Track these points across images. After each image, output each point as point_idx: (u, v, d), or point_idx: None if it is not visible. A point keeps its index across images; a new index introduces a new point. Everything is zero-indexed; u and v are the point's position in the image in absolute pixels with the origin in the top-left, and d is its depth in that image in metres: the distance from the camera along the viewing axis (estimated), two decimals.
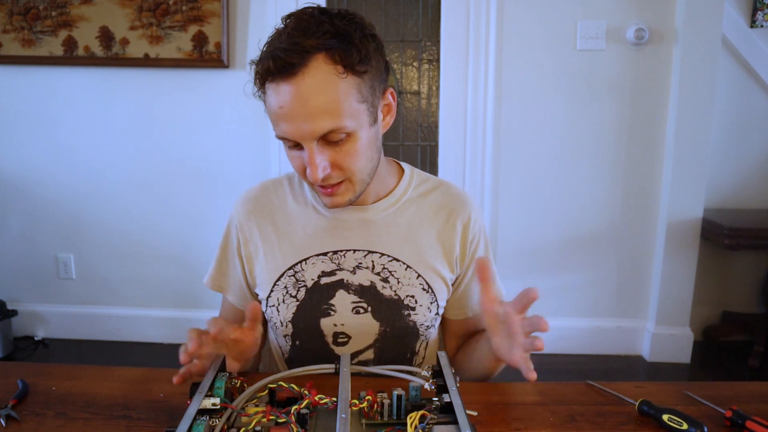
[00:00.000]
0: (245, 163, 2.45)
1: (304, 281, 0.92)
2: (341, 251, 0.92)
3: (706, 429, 0.66)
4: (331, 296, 0.92)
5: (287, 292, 0.92)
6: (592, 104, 2.36)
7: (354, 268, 0.92)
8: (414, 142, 2.57)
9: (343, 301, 0.91)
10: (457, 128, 2.45)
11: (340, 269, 0.92)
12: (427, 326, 0.95)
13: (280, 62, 0.74)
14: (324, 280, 0.92)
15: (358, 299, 0.92)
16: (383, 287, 0.92)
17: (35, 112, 2.45)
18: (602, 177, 2.42)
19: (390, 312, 0.92)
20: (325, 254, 0.92)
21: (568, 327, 2.51)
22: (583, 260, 2.49)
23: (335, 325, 0.92)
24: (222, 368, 0.71)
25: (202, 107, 2.41)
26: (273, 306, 0.94)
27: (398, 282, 0.92)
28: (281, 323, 0.93)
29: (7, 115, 2.46)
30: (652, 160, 2.39)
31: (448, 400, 0.63)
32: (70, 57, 2.36)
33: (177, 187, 2.49)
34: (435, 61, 2.50)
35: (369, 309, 0.92)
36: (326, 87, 0.75)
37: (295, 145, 0.80)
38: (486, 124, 2.39)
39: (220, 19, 2.30)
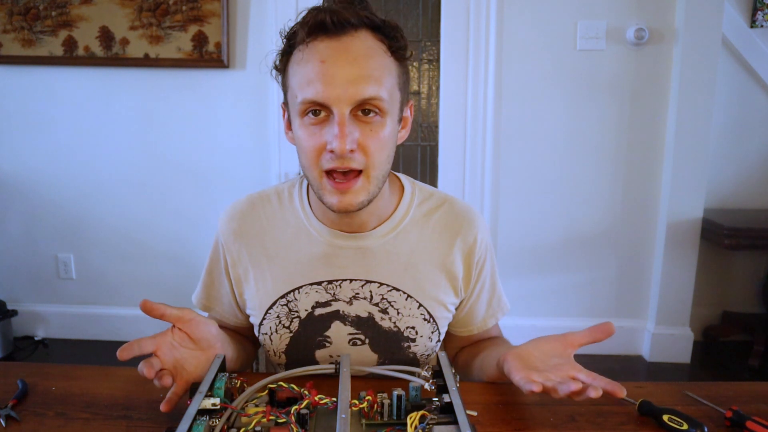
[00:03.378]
0: (245, 163, 2.45)
1: (297, 311, 0.87)
2: (336, 281, 0.86)
3: (706, 429, 0.66)
4: (326, 328, 0.87)
5: (280, 323, 0.88)
6: (592, 104, 2.36)
7: (350, 298, 0.86)
8: (414, 142, 2.57)
9: (339, 332, 0.87)
10: (457, 128, 2.44)
11: (336, 300, 0.87)
12: (428, 355, 0.92)
13: (335, 16, 0.70)
14: (318, 311, 0.87)
15: (355, 331, 0.87)
16: (382, 318, 0.87)
17: (35, 112, 2.45)
18: (602, 177, 2.42)
19: (389, 344, 0.88)
20: (319, 284, 0.86)
21: (568, 327, 2.49)
22: (583, 260, 2.48)
23: (331, 356, 0.88)
24: (222, 368, 0.71)
25: (202, 107, 2.41)
26: (266, 335, 0.90)
27: (398, 313, 0.87)
28: (274, 353, 0.90)
29: (7, 115, 2.46)
30: (652, 160, 2.39)
31: (448, 400, 0.63)
32: (70, 57, 2.36)
33: (177, 187, 2.49)
34: (435, 61, 2.50)
35: (366, 341, 0.88)
36: (374, 53, 0.73)
37: (318, 117, 0.73)
38: (486, 124, 2.39)
39: (220, 19, 2.30)
